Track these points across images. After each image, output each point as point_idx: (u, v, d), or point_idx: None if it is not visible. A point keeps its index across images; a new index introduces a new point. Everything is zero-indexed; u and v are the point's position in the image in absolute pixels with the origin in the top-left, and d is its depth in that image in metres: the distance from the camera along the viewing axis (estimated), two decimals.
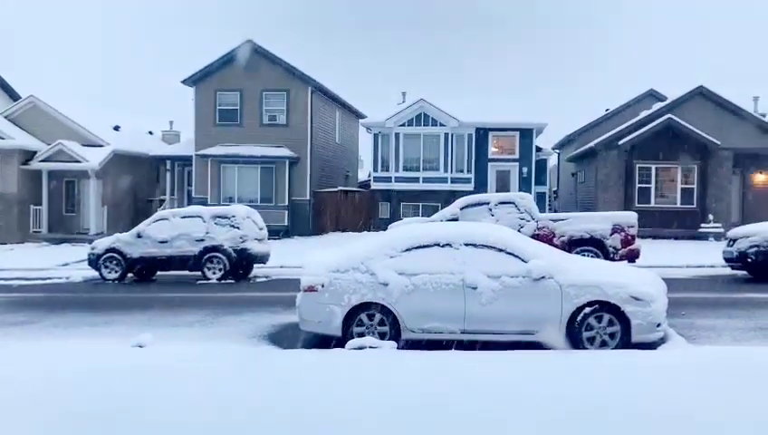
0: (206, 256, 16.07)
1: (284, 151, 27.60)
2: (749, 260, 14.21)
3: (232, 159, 27.45)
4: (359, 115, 34.89)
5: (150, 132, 35.98)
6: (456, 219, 15.46)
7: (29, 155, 27.47)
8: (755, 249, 14.09)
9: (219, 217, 16.48)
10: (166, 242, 16.21)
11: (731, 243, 14.81)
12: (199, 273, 16.17)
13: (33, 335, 9.59)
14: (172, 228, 16.31)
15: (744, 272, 14.73)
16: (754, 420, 4.74)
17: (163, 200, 30.35)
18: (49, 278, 17.09)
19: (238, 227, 16.29)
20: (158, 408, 5.12)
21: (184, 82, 28.49)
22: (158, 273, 16.93)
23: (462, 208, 16.23)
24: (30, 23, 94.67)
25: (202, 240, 16.14)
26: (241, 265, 16.41)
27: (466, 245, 8.33)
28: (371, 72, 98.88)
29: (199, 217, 16.50)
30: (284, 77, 27.96)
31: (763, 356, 6.83)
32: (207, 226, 16.27)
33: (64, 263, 20.09)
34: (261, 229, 17.02)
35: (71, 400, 5.32)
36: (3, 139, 26.97)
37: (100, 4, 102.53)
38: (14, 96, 32.36)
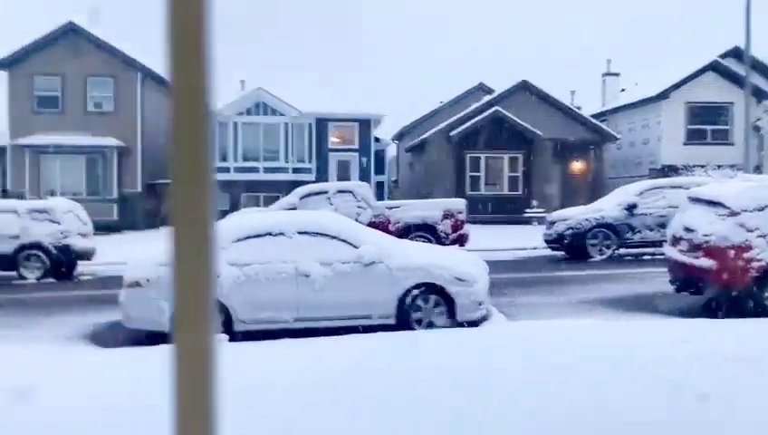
0: (22, 255, 14.73)
1: (112, 141, 25.96)
2: (565, 241, 15.46)
3: (53, 148, 25.36)
4: None
5: None
6: (294, 209, 15.41)
7: None
8: (571, 231, 15.35)
9: (36, 211, 15.14)
10: None
11: (550, 226, 16.04)
12: (14, 272, 14.80)
13: None
14: None
15: (562, 252, 16.01)
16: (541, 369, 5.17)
17: None
18: None
19: (58, 222, 15.07)
20: None
21: None
22: None
23: (301, 198, 16.24)
24: None
25: (17, 237, 14.76)
26: (63, 262, 15.20)
27: (300, 233, 8.32)
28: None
29: (13, 211, 15.06)
30: (111, 62, 26.25)
31: (565, 326, 7.47)
32: (23, 221, 14.90)
33: None
34: (85, 224, 15.88)
35: None
36: None
37: None
38: None
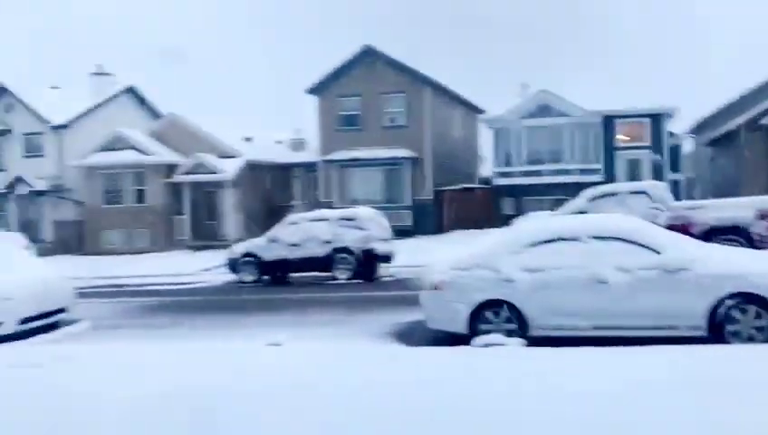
0: (334, 258, 16.61)
1: (405, 152, 27.93)
2: None
3: (355, 162, 28.15)
4: (478, 110, 34.62)
5: (279, 141, 37.59)
6: (584, 212, 14.97)
7: (171, 169, 29.61)
8: None
9: (345, 219, 16.99)
10: (297, 245, 16.90)
11: None
12: (329, 273, 16.72)
13: (179, 336, 10.33)
14: (302, 232, 16.98)
15: None
16: None
17: (293, 206, 31.59)
18: (193, 283, 18.32)
19: (363, 229, 16.71)
20: (289, 406, 5.36)
21: (308, 91, 29.54)
22: (291, 274, 17.64)
23: (590, 200, 15.74)
24: (156, 37, 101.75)
25: (330, 242, 16.69)
26: (367, 265, 16.78)
27: (594, 238, 8.07)
28: (491, 65, 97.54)
29: (326, 220, 17.10)
30: (402, 79, 28.29)
31: None
32: (334, 228, 16.80)
33: (206, 268, 21.45)
34: (385, 230, 17.36)
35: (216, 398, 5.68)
36: (148, 155, 29.30)
37: (226, 22, 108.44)
38: (155, 114, 35.05)
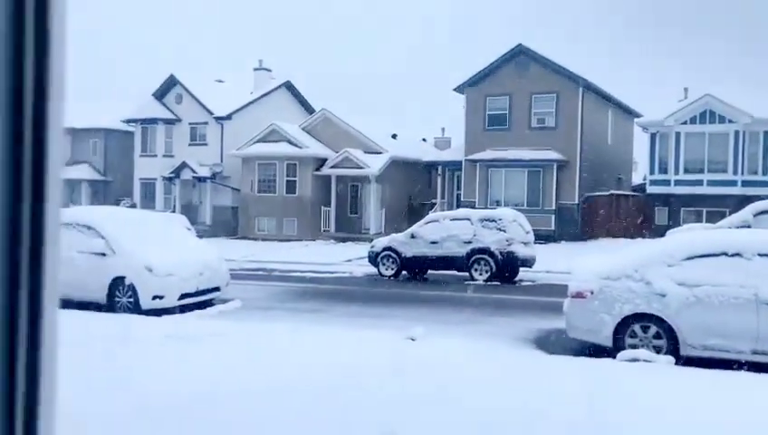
0: (473, 258, 16.49)
1: (552, 154, 27.14)
2: None
3: (499, 163, 27.75)
4: (633, 114, 32.92)
5: (424, 139, 37.98)
6: (747, 227, 13.83)
7: (320, 162, 30.82)
8: None
9: (486, 220, 16.80)
10: (436, 243, 16.96)
11: None
12: (466, 273, 16.64)
13: (324, 322, 10.73)
14: (442, 230, 17.01)
15: None
16: None
17: (434, 203, 31.79)
18: (335, 272, 18.95)
19: (504, 231, 16.44)
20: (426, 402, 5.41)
21: (455, 89, 29.53)
22: (429, 271, 17.75)
23: (755, 215, 14.53)
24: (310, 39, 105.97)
25: (470, 242, 16.58)
26: (507, 267, 16.50)
27: (761, 255, 7.42)
28: (649, 67, 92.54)
29: (467, 219, 17.00)
30: (554, 79, 27.48)
31: None
32: (475, 228, 16.67)
33: (348, 259, 22.11)
34: (527, 233, 16.97)
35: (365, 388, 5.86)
36: (301, 148, 30.68)
37: (380, 29, 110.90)
38: (309, 109, 36.63)
